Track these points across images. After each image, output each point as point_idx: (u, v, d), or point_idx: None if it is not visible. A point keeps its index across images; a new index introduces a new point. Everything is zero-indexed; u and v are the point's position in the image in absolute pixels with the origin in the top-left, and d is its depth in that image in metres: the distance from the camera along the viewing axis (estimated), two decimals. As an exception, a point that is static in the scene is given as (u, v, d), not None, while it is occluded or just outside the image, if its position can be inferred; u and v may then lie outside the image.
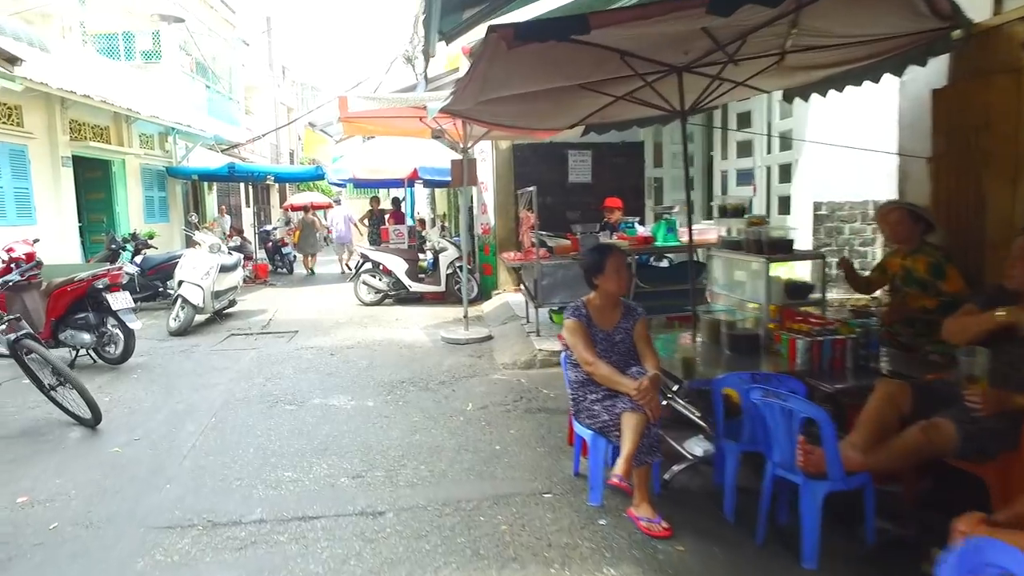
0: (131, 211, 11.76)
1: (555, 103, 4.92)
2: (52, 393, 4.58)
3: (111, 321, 6.27)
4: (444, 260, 10.09)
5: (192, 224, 9.68)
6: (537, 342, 6.50)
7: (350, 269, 15.10)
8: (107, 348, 6.36)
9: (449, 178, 9.58)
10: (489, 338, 7.40)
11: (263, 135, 20.37)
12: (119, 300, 6.19)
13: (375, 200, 14.13)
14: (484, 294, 10.47)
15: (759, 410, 2.87)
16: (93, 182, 11.57)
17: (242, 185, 24.61)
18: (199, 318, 8.62)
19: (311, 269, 15.63)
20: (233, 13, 19.47)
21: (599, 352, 3.31)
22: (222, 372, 6.20)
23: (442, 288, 10.13)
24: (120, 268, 6.42)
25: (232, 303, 9.48)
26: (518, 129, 5.84)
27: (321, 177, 13.93)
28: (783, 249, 4.30)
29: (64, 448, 4.28)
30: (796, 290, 4.31)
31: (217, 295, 8.71)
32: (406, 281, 10.04)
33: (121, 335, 6.26)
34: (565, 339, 3.41)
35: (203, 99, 16.99)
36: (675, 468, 3.58)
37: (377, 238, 13.79)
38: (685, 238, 6.65)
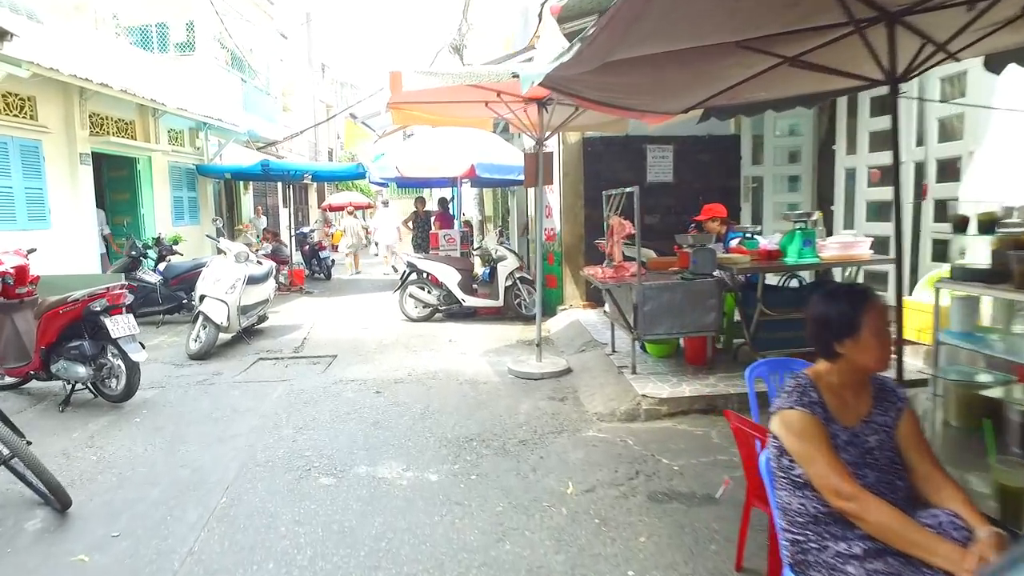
0: (158, 213, 10.76)
1: (695, 71, 3.55)
2: (11, 463, 3.39)
3: (111, 350, 5.10)
4: (503, 271, 8.77)
5: (218, 228, 8.53)
6: (636, 383, 5.12)
7: (395, 271, 15.55)
8: (108, 382, 5.20)
9: (509, 176, 8.28)
10: (568, 371, 6.04)
11: (301, 132, 19.40)
12: (120, 326, 5.01)
13: (420, 201, 12.91)
14: (548, 309, 9.11)
15: None
16: (118, 182, 10.60)
17: (279, 185, 23.81)
18: (224, 337, 7.48)
19: (357, 268, 16.35)
20: (271, 4, 18.54)
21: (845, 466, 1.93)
22: (243, 416, 4.97)
23: (500, 303, 8.81)
24: (123, 287, 5.24)
25: (262, 319, 8.32)
26: (625, 111, 4.47)
27: (362, 176, 12.77)
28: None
29: (11, 551, 3.07)
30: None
31: (244, 311, 7.55)
32: (459, 294, 8.75)
33: (123, 367, 5.09)
34: (781, 440, 2.03)
35: (238, 94, 16.02)
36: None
37: (423, 243, 12.56)
38: (827, 253, 5.23)
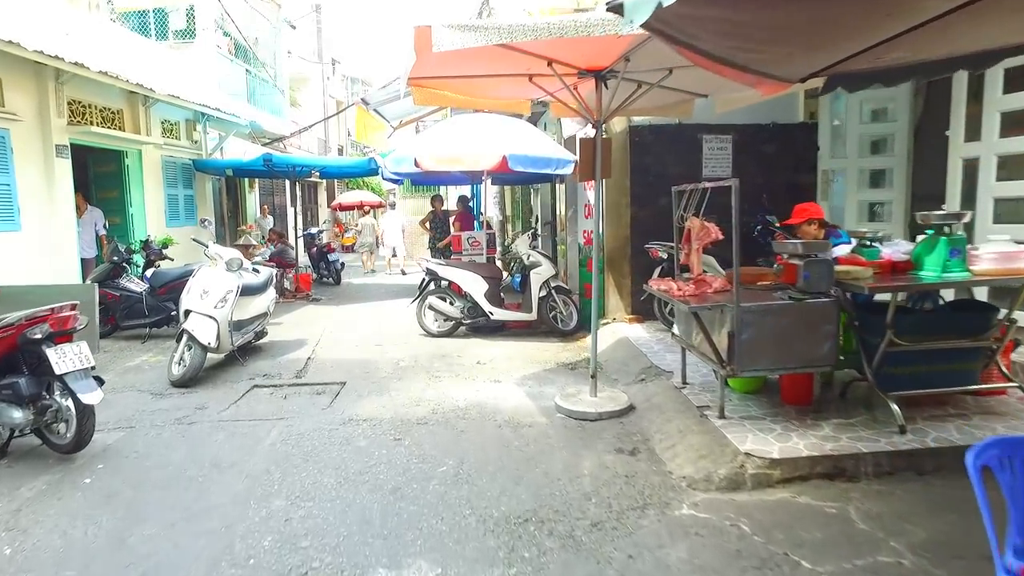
0: (149, 213, 9.70)
1: (837, 17, 2.38)
2: None
3: (58, 388, 4.00)
4: (536, 279, 7.62)
5: (207, 229, 7.43)
6: (730, 433, 3.95)
7: (404, 274, 15.67)
8: (54, 427, 4.10)
9: (545, 170, 7.13)
10: (630, 409, 4.88)
11: (310, 126, 18.33)
12: (67, 358, 3.90)
13: (437, 199, 11.78)
14: (587, 323, 7.96)
15: None
16: (105, 178, 9.54)
17: (287, 183, 22.75)
18: (214, 357, 6.39)
19: (371, 268, 16.54)
20: (279, -9, 17.49)
21: None
22: (224, 475, 3.85)
23: (533, 316, 7.65)
24: (74, 307, 4.13)
25: (260, 335, 7.21)
26: (739, 72, 3.29)
27: (374, 172, 11.63)
28: None
29: None
30: None
31: (238, 327, 6.46)
32: (486, 306, 7.60)
33: (72, 410, 3.98)
34: None
35: (243, 85, 14.98)
36: None
37: (443, 246, 11.42)
38: (981, 266, 4.03)
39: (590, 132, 7.74)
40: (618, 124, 7.57)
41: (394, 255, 16.24)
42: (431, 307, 7.71)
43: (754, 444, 3.77)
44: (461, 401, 5.23)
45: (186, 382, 5.74)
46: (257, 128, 11.51)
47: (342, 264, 14.09)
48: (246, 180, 16.66)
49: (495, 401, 5.22)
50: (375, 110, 8.55)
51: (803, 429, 3.98)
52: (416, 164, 7.01)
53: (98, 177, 9.57)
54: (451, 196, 19.98)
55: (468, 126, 7.55)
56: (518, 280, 7.90)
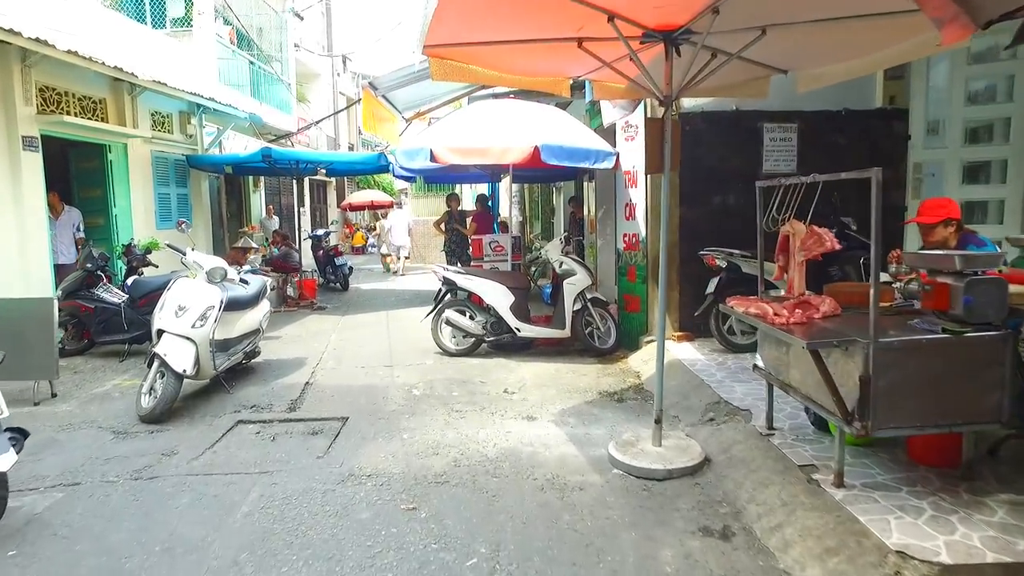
0: (136, 214, 8.75)
1: None
2: None
3: (-39, 447, 3.01)
4: (570, 290, 6.59)
5: (184, 233, 6.46)
6: (862, 512, 2.90)
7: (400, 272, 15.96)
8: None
9: (583, 163, 6.10)
10: (705, 462, 3.84)
11: (318, 122, 17.40)
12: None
13: (453, 199, 10.77)
14: (627, 340, 6.93)
15: None
16: (88, 175, 8.60)
17: (295, 182, 21.80)
18: (195, 383, 5.43)
19: (388, 267, 16.61)
20: (285, -21, 16.56)
21: None
22: (178, 566, 2.85)
23: (567, 333, 6.62)
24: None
25: (251, 355, 6.24)
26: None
27: (384, 168, 10.65)
28: None
29: None
30: None
31: (224, 347, 5.49)
32: (512, 322, 6.58)
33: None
34: None
35: (246, 78, 14.06)
36: None
37: (459, 250, 10.41)
38: None
39: (634, 119, 6.71)
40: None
41: (400, 256, 16.43)
42: (448, 322, 6.70)
43: (904, 535, 2.71)
44: (490, 448, 4.20)
45: (157, 417, 4.76)
46: (256, 120, 10.58)
47: (350, 268, 13.13)
48: (250, 179, 15.74)
49: (532, 448, 4.19)
50: (384, 97, 7.54)
51: (963, 509, 2.92)
52: (432, 157, 6.00)
53: (80, 174, 8.64)
54: (466, 195, 19.00)
55: (492, 113, 6.53)
56: (548, 291, 6.87)
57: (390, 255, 17.17)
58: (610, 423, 4.66)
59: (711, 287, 6.03)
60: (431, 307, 6.91)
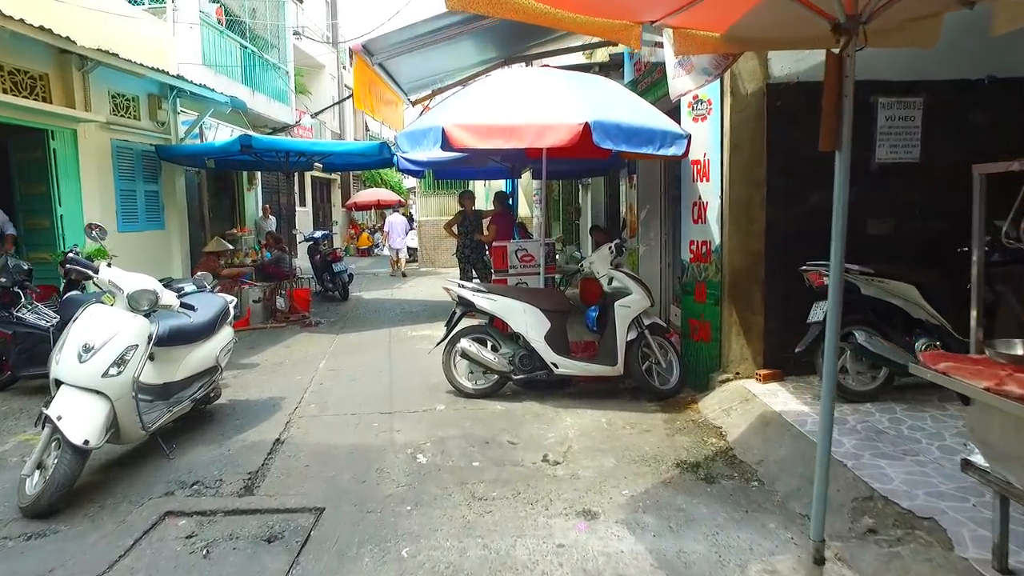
0: (90, 214, 7.28)
1: None
2: None
3: None
4: (624, 315, 5.06)
5: (98, 241, 4.95)
6: None
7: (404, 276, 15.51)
8: None
9: (644, 149, 4.58)
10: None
11: (318, 113, 15.95)
12: None
13: (467, 197, 9.24)
14: (693, 378, 5.40)
15: None
16: (31, 168, 7.14)
17: (296, 179, 20.38)
18: (119, 447, 3.95)
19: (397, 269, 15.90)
20: (282, -43, 15.13)
21: None
22: None
23: (618, 370, 5.09)
24: None
25: (207, 399, 4.75)
26: None
27: (388, 161, 9.16)
28: None
29: None
30: None
31: (164, 394, 4.02)
32: (548, 355, 5.06)
33: None
34: None
35: (237, 64, 12.63)
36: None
37: (474, 258, 8.89)
38: None
39: (708, 93, 5.16)
40: (750, 79, 4.98)
41: (400, 258, 16.21)
42: (465, 355, 5.18)
43: None
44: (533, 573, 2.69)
45: (43, 509, 3.28)
46: (239, 105, 9.10)
47: (350, 275, 11.65)
48: (244, 176, 14.33)
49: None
50: (382, 67, 6.00)
51: None
52: (445, 140, 4.47)
53: (22, 166, 7.19)
54: (479, 195, 17.46)
55: (525, 83, 4.97)
56: (593, 315, 5.33)
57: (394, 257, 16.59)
58: (708, 526, 3.13)
59: (817, 314, 4.48)
60: (443, 333, 5.39)
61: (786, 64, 4.93)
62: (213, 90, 8.91)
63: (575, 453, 4.11)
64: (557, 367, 5.08)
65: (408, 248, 20.41)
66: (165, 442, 4.13)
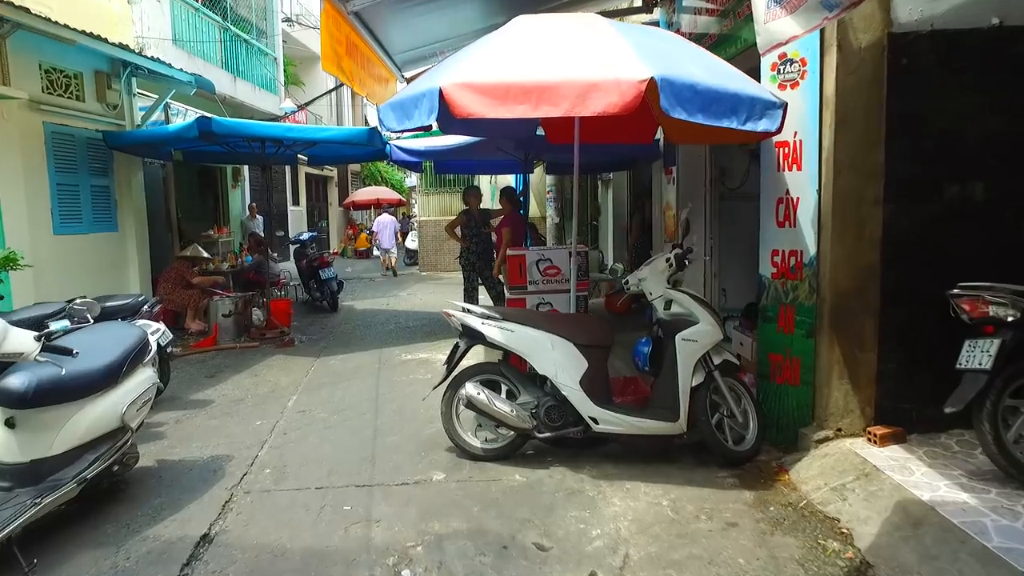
0: (12, 213, 5.94)
1: None
2: None
3: None
4: (690, 351, 3.71)
5: None
6: None
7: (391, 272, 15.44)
8: None
9: (735, 123, 3.21)
10: None
11: (305, 105, 14.63)
12: None
13: (473, 194, 7.85)
14: (777, 431, 4.04)
15: None
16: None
17: (289, 175, 19.02)
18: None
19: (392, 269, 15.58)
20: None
21: None
22: None
23: (681, 426, 3.72)
24: None
25: (111, 472, 3.40)
26: None
27: (381, 152, 7.80)
28: None
29: None
30: None
31: (32, 476, 2.69)
32: (584, 406, 3.71)
33: None
34: None
35: (215, 45, 11.32)
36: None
37: (481, 265, 7.52)
38: None
39: (797, 48, 3.79)
40: (864, 28, 3.61)
41: (389, 258, 15.89)
42: (471, 403, 3.82)
43: None
44: None
45: None
46: (206, 86, 7.72)
47: (339, 283, 10.31)
48: (228, 172, 13.02)
49: None
50: (362, 23, 4.59)
51: None
52: (444, 109, 3.11)
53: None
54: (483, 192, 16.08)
55: (556, 29, 3.59)
56: (644, 351, 3.96)
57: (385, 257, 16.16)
58: None
59: (979, 358, 3.11)
60: (443, 370, 4.03)
61: (916, 6, 3.57)
62: (171, 66, 7.56)
63: (635, 567, 2.76)
64: (597, 423, 3.73)
65: (408, 250, 19.09)
66: (24, 552, 2.79)
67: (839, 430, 3.82)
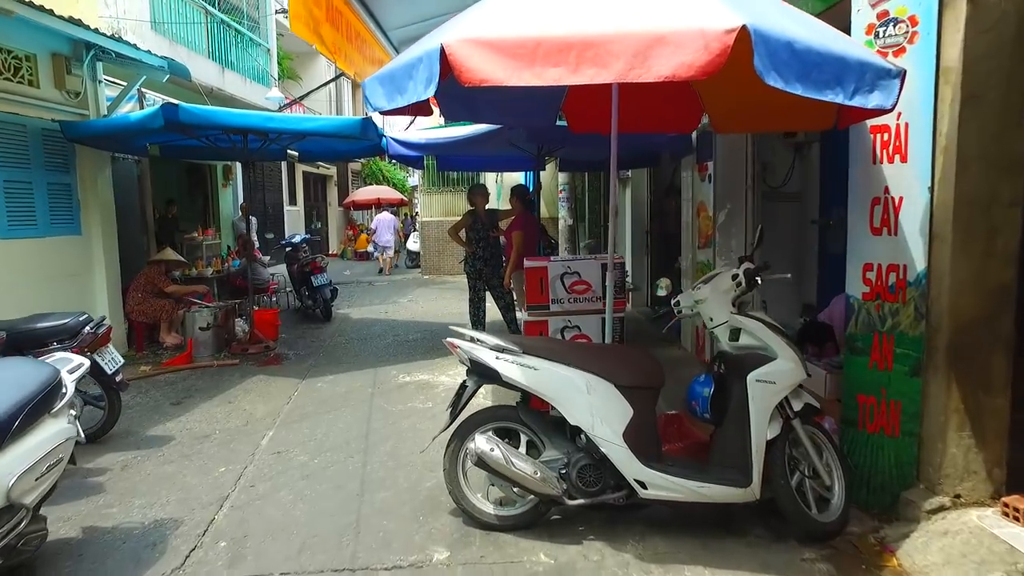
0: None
1: None
2: None
3: None
4: (765, 395, 2.85)
5: None
6: None
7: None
8: None
9: (840, 96, 2.31)
10: None
11: (298, 99, 13.80)
12: None
13: (480, 193, 6.95)
14: (869, 492, 3.17)
15: None
16: None
17: (286, 174, 18.18)
18: None
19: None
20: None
21: None
22: None
23: (753, 492, 2.86)
24: None
25: (11, 552, 2.55)
26: None
27: (377, 146, 6.97)
28: None
29: None
30: None
31: None
32: (630, 466, 2.85)
33: None
34: None
35: (201, 31, 10.51)
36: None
37: (489, 273, 6.65)
38: None
39: (904, 2, 2.92)
40: (1000, -24, 2.75)
41: (385, 255, 16.10)
42: (482, 461, 2.95)
43: None
44: None
45: None
46: (181, 72, 6.87)
47: (333, 290, 9.47)
48: (219, 170, 12.18)
49: None
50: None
51: None
52: (445, 64, 2.27)
53: None
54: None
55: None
56: (702, 393, 3.09)
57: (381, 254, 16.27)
58: None
59: None
60: (446, 422, 3.18)
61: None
62: (137, 47, 6.70)
63: None
64: (646, 487, 2.87)
65: (410, 252, 18.23)
66: None
67: (957, 496, 2.96)
